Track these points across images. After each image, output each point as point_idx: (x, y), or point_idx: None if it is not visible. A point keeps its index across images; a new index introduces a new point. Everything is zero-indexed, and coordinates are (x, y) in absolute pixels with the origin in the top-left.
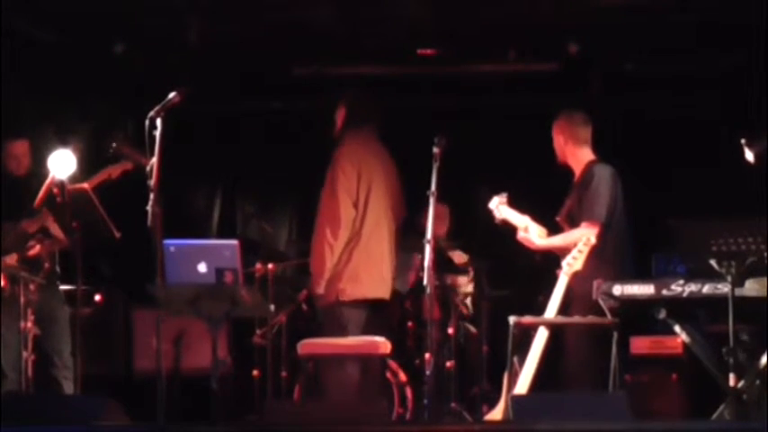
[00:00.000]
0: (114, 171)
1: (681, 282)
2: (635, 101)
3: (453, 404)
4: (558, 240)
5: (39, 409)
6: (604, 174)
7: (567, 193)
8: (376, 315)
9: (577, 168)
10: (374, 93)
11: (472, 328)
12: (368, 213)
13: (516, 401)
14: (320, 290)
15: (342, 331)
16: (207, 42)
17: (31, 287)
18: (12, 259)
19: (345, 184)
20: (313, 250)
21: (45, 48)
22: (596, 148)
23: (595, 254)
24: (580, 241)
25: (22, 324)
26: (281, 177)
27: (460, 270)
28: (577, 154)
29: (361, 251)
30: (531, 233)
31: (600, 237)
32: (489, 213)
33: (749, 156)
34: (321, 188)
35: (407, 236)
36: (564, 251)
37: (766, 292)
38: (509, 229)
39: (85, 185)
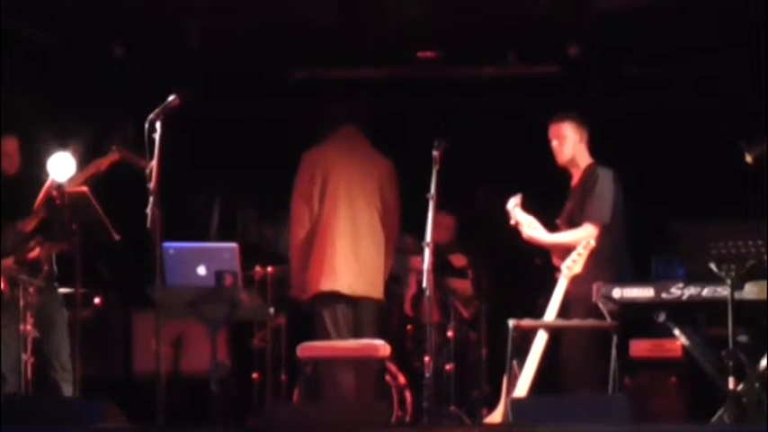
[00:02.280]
0: (102, 163)
1: (680, 285)
2: (634, 102)
3: (453, 407)
4: (564, 237)
5: (38, 413)
6: (607, 177)
7: (566, 196)
8: (354, 312)
9: (577, 171)
10: (350, 92)
11: (471, 332)
12: (324, 209)
13: (515, 404)
14: (293, 292)
15: (321, 330)
16: (206, 45)
17: (31, 290)
18: (9, 262)
19: (300, 186)
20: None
21: (44, 50)
22: (596, 150)
23: (594, 257)
24: (579, 245)
25: (22, 327)
26: (281, 180)
27: (460, 273)
28: (583, 155)
29: (316, 247)
30: (537, 232)
31: (599, 239)
32: (489, 212)
33: (748, 158)
34: None
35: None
36: (566, 250)
37: (766, 296)
38: (509, 232)
39: (85, 188)
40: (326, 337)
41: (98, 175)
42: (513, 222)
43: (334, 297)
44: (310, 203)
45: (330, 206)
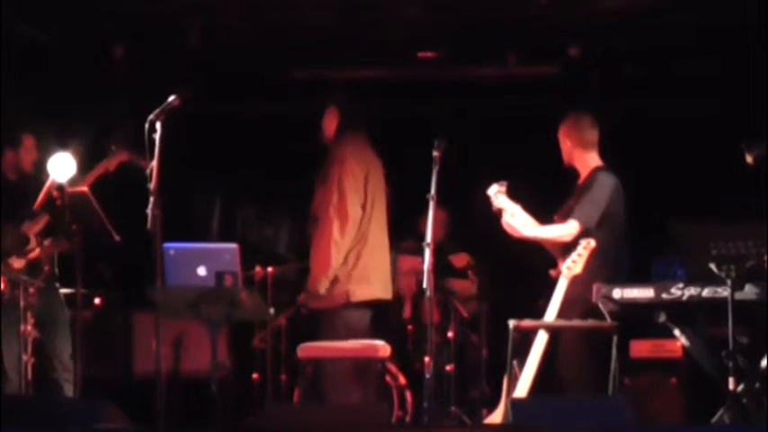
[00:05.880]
0: (111, 164)
1: (680, 285)
2: (634, 103)
3: (453, 407)
4: (541, 232)
5: (39, 413)
6: (607, 183)
7: (566, 196)
8: (379, 315)
9: (583, 172)
10: (361, 95)
11: (472, 332)
12: (374, 215)
13: (516, 405)
14: (322, 289)
15: (350, 333)
16: (206, 44)
17: (31, 290)
18: (19, 263)
19: (354, 185)
20: (316, 249)
21: (44, 50)
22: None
23: (592, 258)
24: (580, 245)
25: (22, 327)
26: (282, 180)
27: (460, 273)
28: (584, 158)
29: (369, 252)
30: (517, 221)
31: (597, 242)
32: (489, 213)
33: (748, 158)
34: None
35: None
36: (549, 246)
37: (766, 296)
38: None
39: (85, 188)
40: (353, 337)
41: (106, 175)
42: (495, 209)
43: (371, 303)
44: (364, 206)
45: (380, 214)
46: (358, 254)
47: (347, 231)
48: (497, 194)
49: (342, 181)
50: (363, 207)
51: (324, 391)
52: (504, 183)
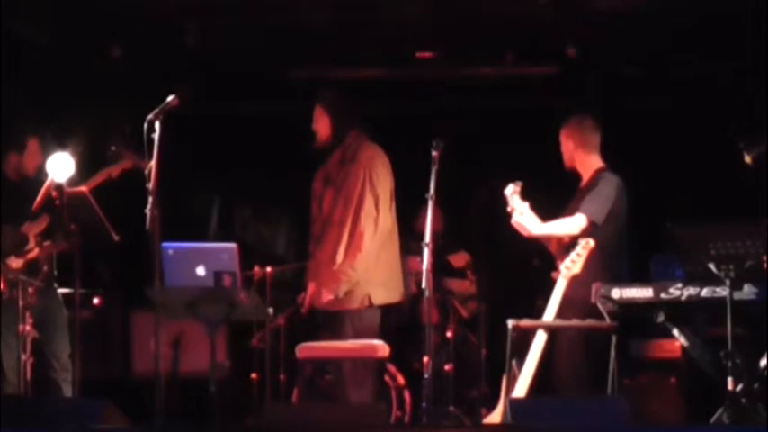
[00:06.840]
0: (114, 171)
1: (679, 285)
2: (633, 103)
3: (452, 407)
4: (550, 228)
5: (38, 413)
6: (611, 181)
7: (566, 196)
8: (386, 317)
9: (586, 174)
10: (360, 95)
11: (470, 332)
12: (392, 218)
13: (515, 404)
14: (341, 293)
15: (366, 334)
16: (206, 45)
17: (30, 290)
18: (17, 263)
19: (386, 192)
20: (346, 253)
21: (43, 50)
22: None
23: (591, 258)
24: (579, 245)
25: (21, 327)
26: (280, 180)
27: (459, 273)
28: (586, 160)
29: (388, 256)
30: (527, 220)
31: (597, 242)
32: (488, 213)
33: (747, 158)
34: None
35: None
36: (553, 245)
37: (765, 296)
38: (508, 232)
39: (84, 189)
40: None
41: (109, 181)
42: (509, 209)
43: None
44: (392, 211)
45: (394, 216)
46: (378, 257)
47: (377, 238)
48: (512, 195)
49: (375, 186)
50: (391, 212)
51: (322, 390)
52: (519, 183)
